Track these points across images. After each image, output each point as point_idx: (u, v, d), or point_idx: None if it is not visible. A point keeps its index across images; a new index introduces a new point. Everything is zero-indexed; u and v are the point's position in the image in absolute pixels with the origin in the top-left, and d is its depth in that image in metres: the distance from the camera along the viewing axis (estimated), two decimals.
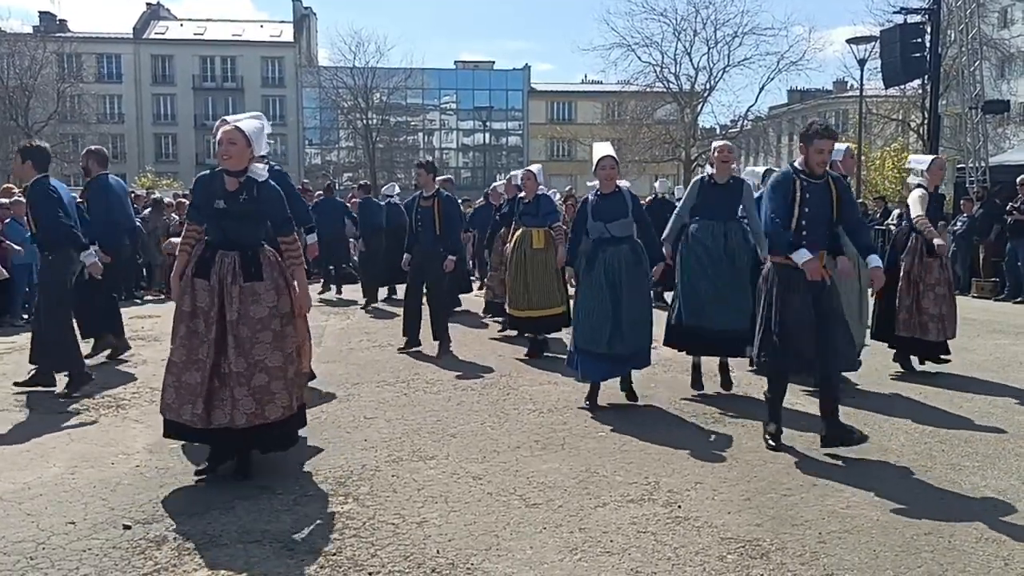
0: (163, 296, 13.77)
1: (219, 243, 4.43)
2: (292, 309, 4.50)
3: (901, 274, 7.26)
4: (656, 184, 14.60)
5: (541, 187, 8.44)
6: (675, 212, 6.77)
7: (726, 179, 6.45)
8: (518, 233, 8.32)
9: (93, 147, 8.21)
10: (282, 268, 4.53)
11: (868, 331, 7.24)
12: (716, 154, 6.59)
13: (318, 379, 7.02)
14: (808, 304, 4.82)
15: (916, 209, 7.17)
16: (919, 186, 7.31)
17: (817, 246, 4.86)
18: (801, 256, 4.74)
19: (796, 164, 4.97)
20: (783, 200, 4.85)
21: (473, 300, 11.95)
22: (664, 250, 6.52)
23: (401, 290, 12.20)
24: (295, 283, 4.57)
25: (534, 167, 8.82)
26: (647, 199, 17.17)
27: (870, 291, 6.59)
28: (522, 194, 8.53)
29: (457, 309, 11.05)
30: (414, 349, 8.36)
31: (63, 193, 6.46)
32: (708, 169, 6.87)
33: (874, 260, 5.05)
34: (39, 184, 6.31)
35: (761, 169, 8.22)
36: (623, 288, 5.89)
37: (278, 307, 4.42)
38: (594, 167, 6.10)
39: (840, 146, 6.80)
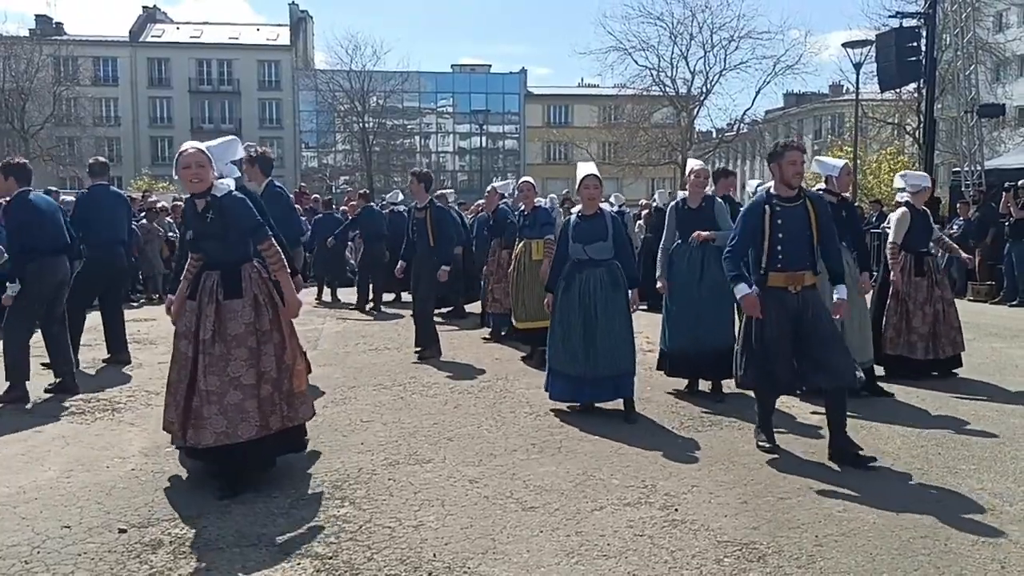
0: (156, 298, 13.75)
1: (206, 264, 4.46)
2: (272, 327, 4.41)
3: (890, 292, 7.25)
4: (656, 196, 14.64)
5: (538, 198, 8.40)
6: (660, 247, 6.76)
7: (698, 203, 6.53)
8: (519, 246, 8.27)
9: (91, 160, 8.26)
10: (267, 284, 4.48)
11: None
12: (692, 178, 6.62)
13: (313, 381, 7.02)
14: (787, 324, 4.82)
15: (893, 233, 7.25)
16: (905, 204, 7.29)
17: (797, 267, 4.85)
18: (740, 291, 4.89)
19: (771, 189, 4.99)
20: (746, 227, 4.93)
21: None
22: (659, 284, 6.65)
23: (405, 296, 12.27)
24: (284, 288, 4.49)
25: (528, 178, 8.78)
26: (646, 213, 17.25)
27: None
28: (521, 207, 8.45)
29: (442, 311, 10.96)
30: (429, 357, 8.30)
31: (44, 206, 6.59)
32: (680, 193, 6.90)
33: (840, 291, 5.00)
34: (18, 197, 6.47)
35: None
36: (598, 312, 5.83)
37: (256, 324, 4.35)
38: (577, 186, 6.05)
39: (837, 162, 6.80)
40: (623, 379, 5.89)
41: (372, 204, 13.83)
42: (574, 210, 6.23)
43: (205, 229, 4.39)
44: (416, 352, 8.34)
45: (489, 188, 10.94)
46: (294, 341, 4.55)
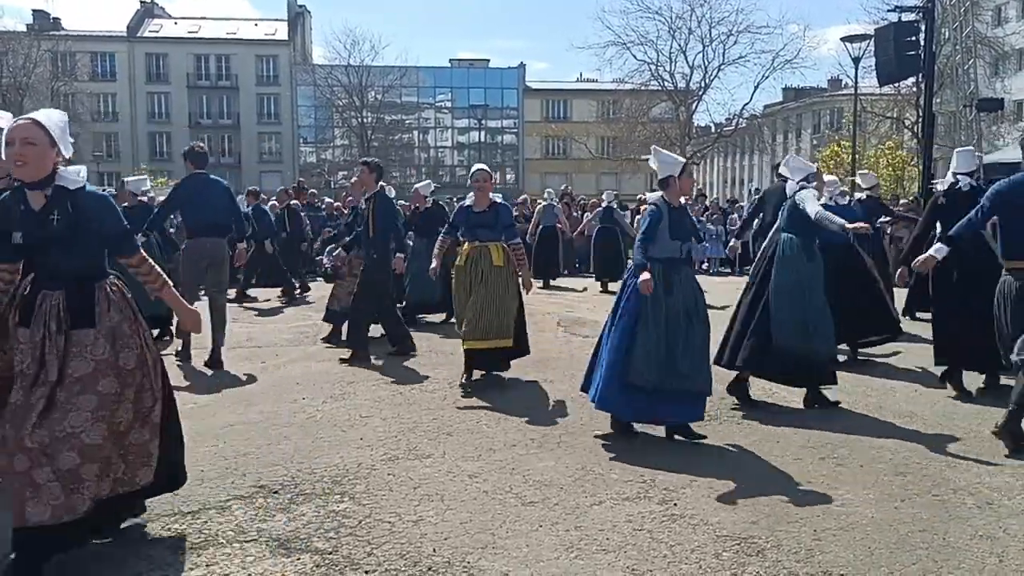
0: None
1: (41, 278, 3.37)
2: (136, 364, 3.41)
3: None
4: None
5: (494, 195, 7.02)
6: (776, 226, 6.28)
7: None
8: (467, 248, 6.81)
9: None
10: (131, 304, 3.48)
11: None
12: (821, 180, 6.41)
13: (313, 377, 7.03)
14: None
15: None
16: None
17: None
18: None
19: None
20: None
21: None
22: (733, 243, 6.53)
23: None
24: (173, 304, 3.64)
25: (483, 166, 7.09)
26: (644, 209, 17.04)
27: None
28: (468, 202, 6.89)
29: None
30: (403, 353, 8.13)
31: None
32: (794, 185, 6.20)
33: None
34: None
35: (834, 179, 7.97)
36: (698, 316, 5.19)
37: (115, 361, 3.34)
38: (679, 173, 5.25)
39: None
40: (703, 398, 5.28)
41: (259, 202, 13.43)
42: (650, 197, 5.44)
43: (46, 233, 3.28)
44: (390, 353, 8.05)
45: (415, 187, 10.99)
46: (158, 383, 3.53)
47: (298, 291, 13.24)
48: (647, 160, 5.56)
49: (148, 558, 3.49)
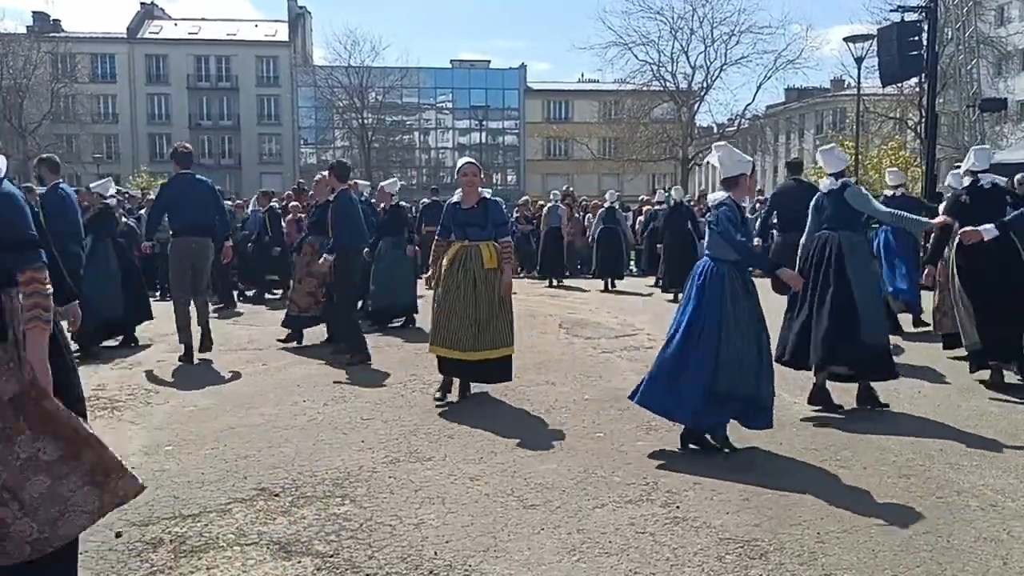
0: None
1: None
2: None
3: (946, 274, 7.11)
4: (672, 191, 14.77)
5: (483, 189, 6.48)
6: (814, 223, 6.21)
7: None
8: (455, 249, 6.25)
9: (44, 155, 8.34)
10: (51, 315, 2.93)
11: None
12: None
13: (314, 379, 7.02)
14: None
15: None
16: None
17: None
18: None
19: None
20: None
21: None
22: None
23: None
24: (30, 353, 2.78)
25: (471, 159, 6.67)
26: (647, 210, 17.15)
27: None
28: (456, 199, 6.39)
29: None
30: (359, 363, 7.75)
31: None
32: (830, 181, 6.22)
33: None
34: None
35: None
36: (762, 321, 5.03)
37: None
38: (748, 172, 5.11)
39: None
40: (770, 406, 5.09)
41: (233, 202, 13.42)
42: (716, 196, 5.22)
43: None
44: (347, 359, 7.76)
45: (381, 184, 10.75)
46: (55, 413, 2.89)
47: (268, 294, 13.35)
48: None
49: (149, 561, 3.49)
